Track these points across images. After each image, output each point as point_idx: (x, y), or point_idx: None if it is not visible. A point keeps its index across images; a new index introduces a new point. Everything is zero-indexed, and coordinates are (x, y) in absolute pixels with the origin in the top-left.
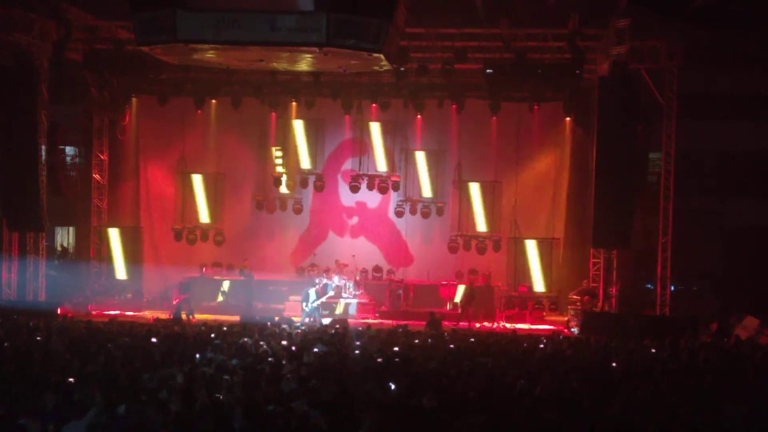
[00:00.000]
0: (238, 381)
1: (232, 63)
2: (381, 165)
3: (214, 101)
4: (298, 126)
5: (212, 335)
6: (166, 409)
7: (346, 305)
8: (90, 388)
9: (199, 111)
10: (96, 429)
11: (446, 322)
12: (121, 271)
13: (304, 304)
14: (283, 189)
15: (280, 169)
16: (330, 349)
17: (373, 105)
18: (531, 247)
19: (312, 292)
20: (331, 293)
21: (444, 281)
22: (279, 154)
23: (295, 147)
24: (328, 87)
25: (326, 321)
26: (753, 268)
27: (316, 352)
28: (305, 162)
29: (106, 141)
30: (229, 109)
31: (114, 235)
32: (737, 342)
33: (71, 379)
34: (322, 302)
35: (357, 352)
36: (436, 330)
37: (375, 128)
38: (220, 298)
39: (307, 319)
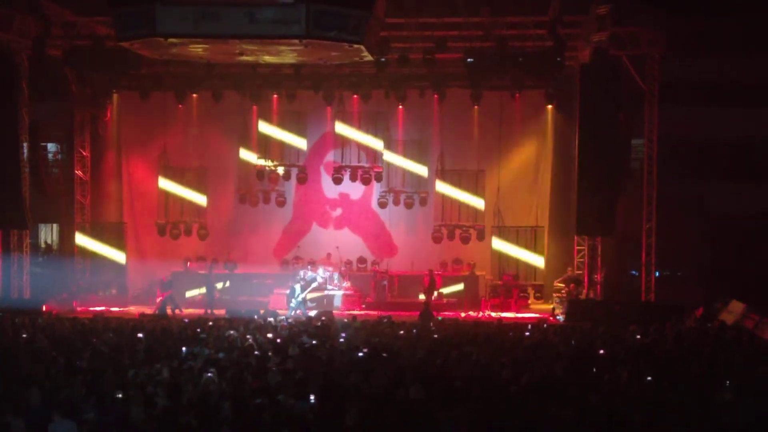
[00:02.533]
0: (224, 375)
1: (212, 56)
2: (363, 156)
3: (195, 95)
4: (280, 118)
5: (198, 330)
6: (152, 404)
7: (332, 297)
8: (76, 384)
9: (180, 105)
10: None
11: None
12: (105, 267)
13: (291, 299)
14: (266, 182)
15: (262, 162)
16: (315, 341)
17: (355, 96)
18: (515, 235)
19: (297, 286)
20: (315, 285)
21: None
22: (270, 144)
23: (277, 140)
24: (309, 79)
25: (312, 314)
26: (737, 254)
27: (301, 344)
28: (287, 154)
29: (87, 137)
30: (210, 102)
31: (97, 231)
32: (723, 327)
33: (54, 377)
34: (306, 294)
35: (342, 343)
36: (429, 321)
37: (357, 119)
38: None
39: (293, 313)
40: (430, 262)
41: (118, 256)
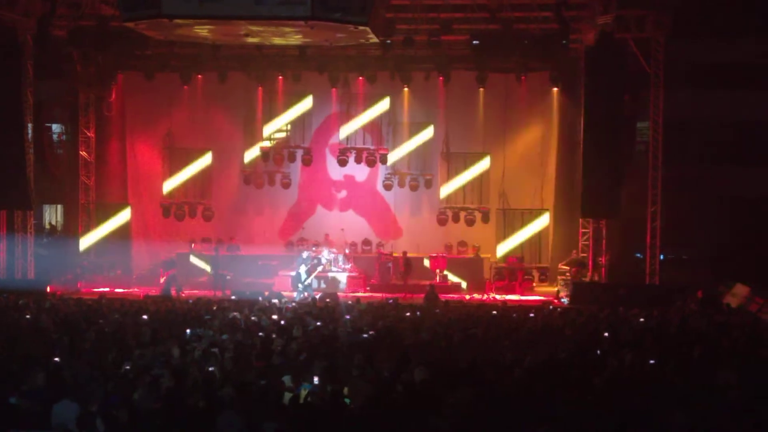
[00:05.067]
0: (228, 356)
1: (217, 38)
2: (368, 138)
3: (200, 76)
4: (285, 100)
5: (202, 311)
6: (157, 385)
7: (336, 279)
8: (80, 366)
9: (185, 86)
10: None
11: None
12: (109, 248)
13: (297, 283)
14: (271, 163)
15: (267, 143)
16: (320, 323)
17: (360, 78)
18: (520, 218)
19: (303, 270)
20: (320, 268)
21: (433, 254)
22: (282, 129)
23: (282, 121)
24: (314, 60)
25: (318, 296)
26: (743, 236)
27: (305, 326)
28: (293, 136)
29: (92, 118)
30: (215, 84)
31: (102, 211)
32: (728, 310)
33: (57, 359)
34: (313, 278)
35: (347, 325)
36: (434, 303)
37: (362, 101)
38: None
39: (299, 297)
40: (435, 244)
41: (123, 237)
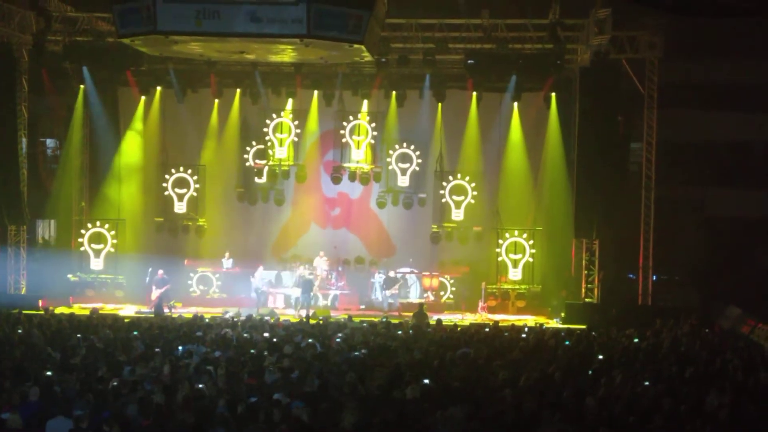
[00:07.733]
0: (220, 373)
1: (212, 54)
2: (362, 156)
3: (195, 93)
4: (279, 117)
5: (194, 328)
6: (148, 401)
7: (329, 296)
8: (71, 381)
9: (180, 102)
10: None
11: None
12: (102, 264)
13: (296, 300)
14: (265, 180)
15: (261, 160)
16: (312, 340)
17: (354, 96)
18: (513, 237)
19: (302, 285)
20: (315, 286)
21: (426, 272)
22: (269, 142)
23: (277, 138)
24: (308, 78)
25: (310, 313)
26: (735, 258)
27: (297, 343)
28: (287, 153)
29: (87, 133)
30: (210, 100)
31: (95, 227)
32: (720, 331)
33: (49, 373)
34: (310, 294)
35: (339, 343)
36: (422, 321)
37: (356, 119)
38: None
39: (295, 313)
40: (429, 262)
41: (116, 252)
